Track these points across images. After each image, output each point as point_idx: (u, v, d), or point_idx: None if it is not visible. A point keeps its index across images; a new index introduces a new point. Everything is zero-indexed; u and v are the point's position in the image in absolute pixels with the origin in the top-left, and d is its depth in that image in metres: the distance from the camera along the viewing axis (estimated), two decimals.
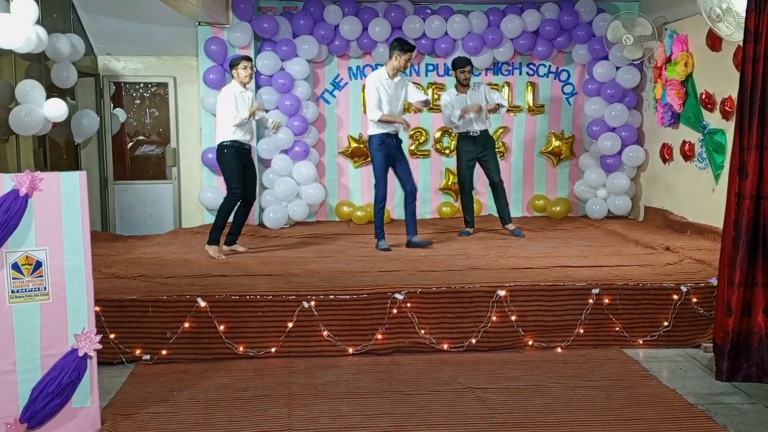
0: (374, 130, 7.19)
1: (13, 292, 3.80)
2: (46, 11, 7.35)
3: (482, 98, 8.03)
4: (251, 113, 6.99)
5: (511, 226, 8.21)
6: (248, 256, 7.05)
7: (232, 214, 7.20)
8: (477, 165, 8.22)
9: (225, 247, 7.22)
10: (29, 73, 7.40)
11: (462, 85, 8.03)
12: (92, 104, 9.05)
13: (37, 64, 7.56)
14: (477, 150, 8.05)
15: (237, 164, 6.99)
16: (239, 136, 6.95)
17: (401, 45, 7.16)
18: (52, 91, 7.44)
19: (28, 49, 6.51)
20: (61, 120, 7.14)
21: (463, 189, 8.28)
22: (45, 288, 3.86)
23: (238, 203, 7.14)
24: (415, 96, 7.39)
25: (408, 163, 7.46)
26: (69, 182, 3.88)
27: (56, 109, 6.96)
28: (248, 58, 7.08)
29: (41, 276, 3.85)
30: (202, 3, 7.52)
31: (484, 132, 8.09)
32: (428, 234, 7.91)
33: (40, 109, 6.87)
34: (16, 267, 3.80)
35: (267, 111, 8.84)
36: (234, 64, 7.01)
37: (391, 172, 7.37)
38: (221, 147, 7.00)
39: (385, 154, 7.22)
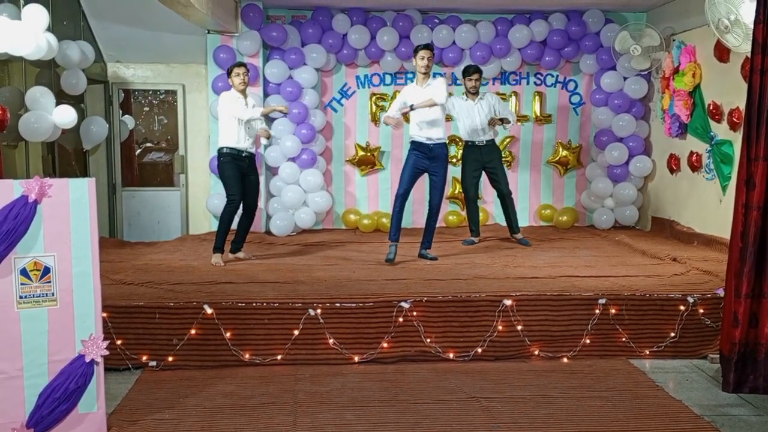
0: (411, 134, 7.15)
1: (21, 297, 3.82)
2: (56, 18, 7.40)
3: (486, 111, 8.00)
4: (266, 113, 7.05)
5: (518, 236, 8.23)
6: (255, 264, 7.07)
7: (236, 223, 7.23)
8: (483, 175, 8.22)
9: (229, 255, 7.26)
10: (39, 80, 7.45)
11: (470, 93, 8.03)
12: (101, 111, 9.10)
13: (47, 71, 7.61)
14: (483, 160, 8.05)
15: (234, 172, 6.98)
16: (238, 143, 6.93)
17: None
18: (61, 97, 7.48)
19: (39, 56, 6.57)
20: (70, 127, 7.18)
21: (468, 198, 8.28)
22: (53, 294, 3.88)
23: (240, 210, 7.18)
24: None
25: (442, 177, 7.15)
26: (78, 189, 3.90)
27: (66, 115, 7.01)
28: (241, 65, 7.02)
29: (49, 282, 3.87)
30: (211, 11, 7.56)
31: (491, 142, 8.08)
32: (435, 242, 7.88)
33: (50, 116, 6.92)
34: (24, 272, 3.82)
35: (274, 119, 8.88)
36: (228, 72, 7.04)
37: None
38: (219, 154, 7.03)
39: (414, 159, 7.04)
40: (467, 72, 8.01)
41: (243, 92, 7.01)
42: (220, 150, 7.01)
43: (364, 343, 5.42)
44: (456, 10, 9.29)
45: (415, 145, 7.08)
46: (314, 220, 9.20)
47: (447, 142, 7.27)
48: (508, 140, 9.62)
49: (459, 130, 8.25)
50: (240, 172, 7.03)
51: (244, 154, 7.02)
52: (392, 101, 9.34)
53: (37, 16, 6.45)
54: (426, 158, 7.03)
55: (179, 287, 5.91)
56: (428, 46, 7.01)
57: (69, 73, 7.69)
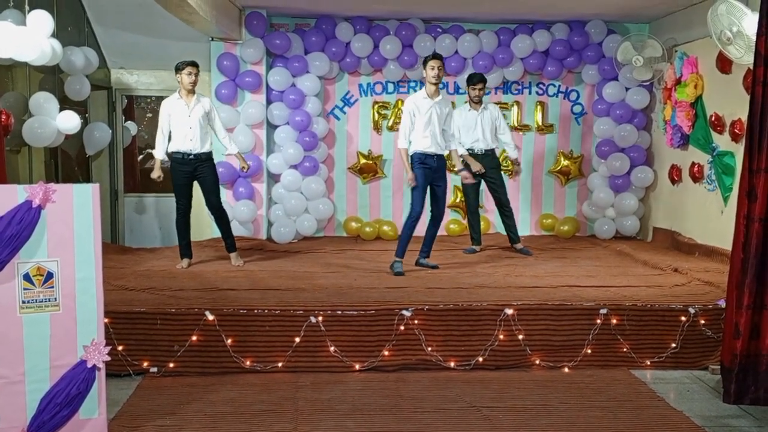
0: (413, 148, 6.96)
1: (24, 302, 3.82)
2: (61, 24, 7.42)
3: (489, 122, 8.04)
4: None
5: (519, 246, 8.23)
6: (256, 270, 7.07)
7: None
8: (483, 184, 8.23)
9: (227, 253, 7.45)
10: (43, 86, 7.47)
11: (474, 102, 8.05)
12: (104, 117, 9.12)
13: (51, 77, 7.64)
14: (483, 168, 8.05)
15: (178, 179, 7.01)
16: (180, 146, 6.93)
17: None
18: (65, 103, 7.51)
19: (43, 62, 6.60)
20: (73, 132, 7.20)
21: (470, 206, 8.30)
22: (55, 299, 3.88)
23: (215, 217, 7.33)
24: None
25: (445, 186, 7.17)
26: (82, 194, 3.91)
27: (69, 121, 7.03)
28: (193, 64, 6.93)
29: (52, 287, 3.87)
30: (215, 19, 7.58)
31: (490, 151, 8.09)
32: (436, 252, 7.87)
33: (53, 121, 6.94)
34: (27, 278, 3.82)
35: (277, 127, 8.93)
36: (178, 69, 6.91)
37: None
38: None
39: (423, 173, 6.90)
40: (471, 80, 8.03)
41: (191, 92, 6.96)
42: (170, 153, 7.07)
43: (365, 351, 5.42)
44: (459, 19, 9.32)
45: (422, 158, 6.95)
46: (316, 227, 9.21)
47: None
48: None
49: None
50: (186, 177, 7.01)
51: (189, 157, 6.95)
52: (395, 111, 9.41)
53: (42, 22, 6.48)
54: (431, 170, 6.98)
55: (181, 293, 5.92)
56: (438, 56, 6.88)
57: (73, 79, 7.72)
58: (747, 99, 4.95)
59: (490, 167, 8.11)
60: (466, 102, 8.27)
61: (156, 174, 7.12)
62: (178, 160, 6.97)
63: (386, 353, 5.41)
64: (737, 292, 4.72)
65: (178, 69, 6.93)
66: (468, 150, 8.03)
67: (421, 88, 7.24)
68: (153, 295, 5.86)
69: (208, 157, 7.09)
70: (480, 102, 8.05)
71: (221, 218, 7.30)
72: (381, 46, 9.09)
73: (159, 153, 7.08)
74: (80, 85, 7.77)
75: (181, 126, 6.90)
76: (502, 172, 8.57)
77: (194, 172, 7.03)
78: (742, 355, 4.73)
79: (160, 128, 7.04)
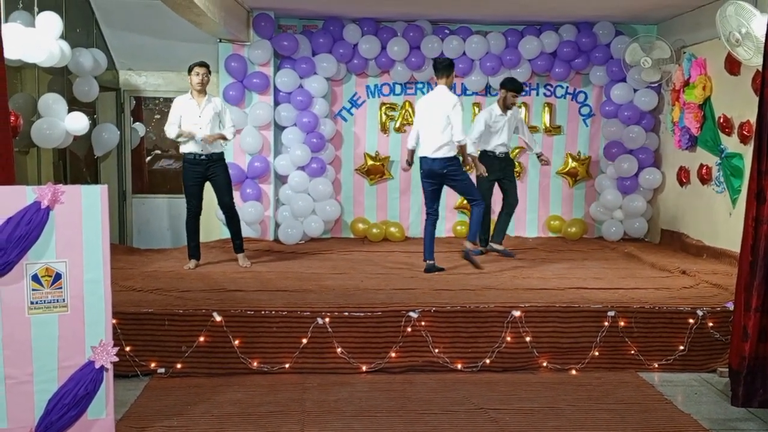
0: (455, 151, 7.08)
1: (32, 303, 3.84)
2: (69, 26, 7.45)
3: (513, 125, 8.05)
4: (182, 136, 6.88)
5: (500, 247, 8.16)
6: (264, 272, 7.08)
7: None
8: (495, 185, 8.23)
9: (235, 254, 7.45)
10: (52, 87, 7.50)
11: (506, 108, 8.00)
12: (113, 118, 9.15)
13: (60, 78, 7.67)
14: (499, 171, 8.03)
15: (189, 179, 7.03)
16: (190, 146, 6.94)
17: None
18: (73, 104, 7.53)
19: (52, 63, 6.63)
20: (82, 133, 7.23)
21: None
22: (64, 300, 3.90)
23: (226, 217, 7.32)
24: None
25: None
26: (90, 195, 3.92)
27: (77, 122, 7.05)
28: (202, 64, 6.95)
29: (60, 288, 3.88)
30: (223, 20, 7.60)
31: (507, 154, 8.11)
32: (443, 253, 7.87)
33: (62, 123, 6.97)
34: (35, 278, 3.83)
35: (285, 128, 8.95)
36: (188, 70, 6.98)
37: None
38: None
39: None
40: (518, 90, 7.95)
41: (201, 92, 6.98)
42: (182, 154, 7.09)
43: (372, 352, 5.42)
44: (466, 21, 9.31)
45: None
46: (323, 228, 9.21)
47: None
48: (517, 151, 9.61)
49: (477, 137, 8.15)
50: (198, 178, 7.03)
51: (201, 158, 6.98)
52: (402, 112, 9.44)
53: (51, 24, 6.51)
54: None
55: (188, 294, 5.93)
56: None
57: (81, 81, 7.74)
58: (756, 101, 4.93)
59: (508, 168, 8.17)
60: (496, 103, 8.12)
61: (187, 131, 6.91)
62: (190, 160, 6.98)
63: (393, 355, 5.41)
64: (745, 294, 4.70)
65: (189, 70, 6.99)
66: (489, 152, 7.97)
67: (429, 90, 7.22)
68: (161, 296, 5.88)
69: (219, 157, 7.11)
70: (510, 108, 8.03)
71: (233, 218, 7.31)
72: (388, 47, 9.09)
73: (173, 131, 6.92)
74: (89, 87, 7.79)
75: (192, 126, 6.91)
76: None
77: (206, 172, 7.05)
78: (751, 357, 4.71)
79: (170, 118, 6.98)
